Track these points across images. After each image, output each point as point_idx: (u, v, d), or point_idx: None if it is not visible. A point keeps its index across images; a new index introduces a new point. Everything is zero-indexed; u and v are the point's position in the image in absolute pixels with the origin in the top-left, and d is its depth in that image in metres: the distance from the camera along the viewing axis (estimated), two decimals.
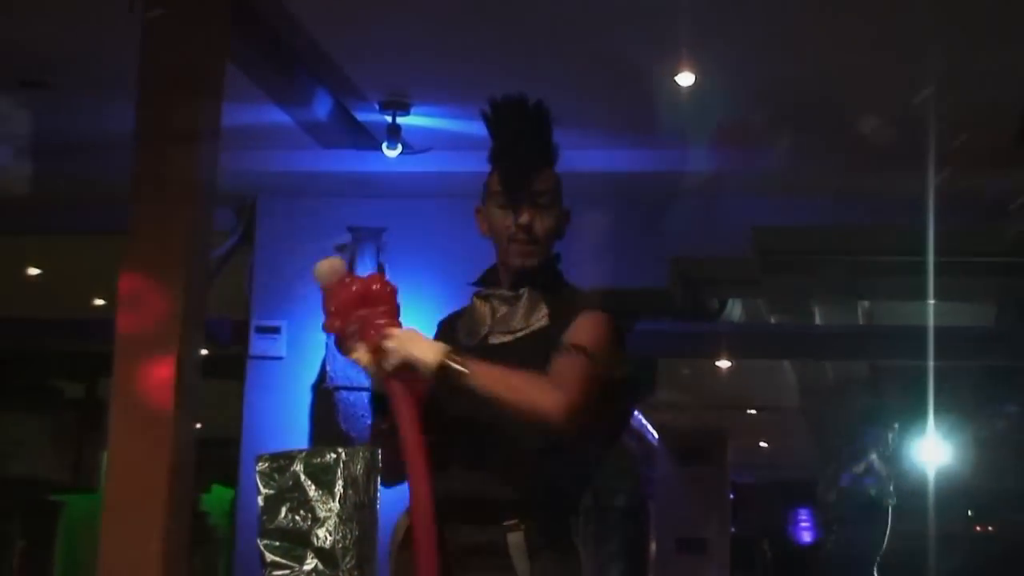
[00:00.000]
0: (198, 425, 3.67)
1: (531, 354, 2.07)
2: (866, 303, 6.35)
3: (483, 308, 2.19)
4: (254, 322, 5.27)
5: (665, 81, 3.95)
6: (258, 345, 5.24)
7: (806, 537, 11.20)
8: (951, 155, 3.91)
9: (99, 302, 6.19)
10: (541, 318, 2.16)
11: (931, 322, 4.77)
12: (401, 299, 2.12)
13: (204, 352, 3.81)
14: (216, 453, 5.64)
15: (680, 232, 4.81)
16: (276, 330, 5.23)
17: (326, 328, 2.08)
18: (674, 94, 4.00)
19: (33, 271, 6.48)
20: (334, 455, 1.75)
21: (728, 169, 4.52)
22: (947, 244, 4.41)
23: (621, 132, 4.55)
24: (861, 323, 6.43)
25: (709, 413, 9.29)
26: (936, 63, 3.63)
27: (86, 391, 7.35)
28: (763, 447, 10.86)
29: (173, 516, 3.32)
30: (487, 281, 2.22)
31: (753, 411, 9.45)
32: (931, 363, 4.68)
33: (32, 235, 5.85)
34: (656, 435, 10.30)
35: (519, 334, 2.12)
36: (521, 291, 2.16)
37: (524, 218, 2.09)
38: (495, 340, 2.11)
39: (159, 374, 3.42)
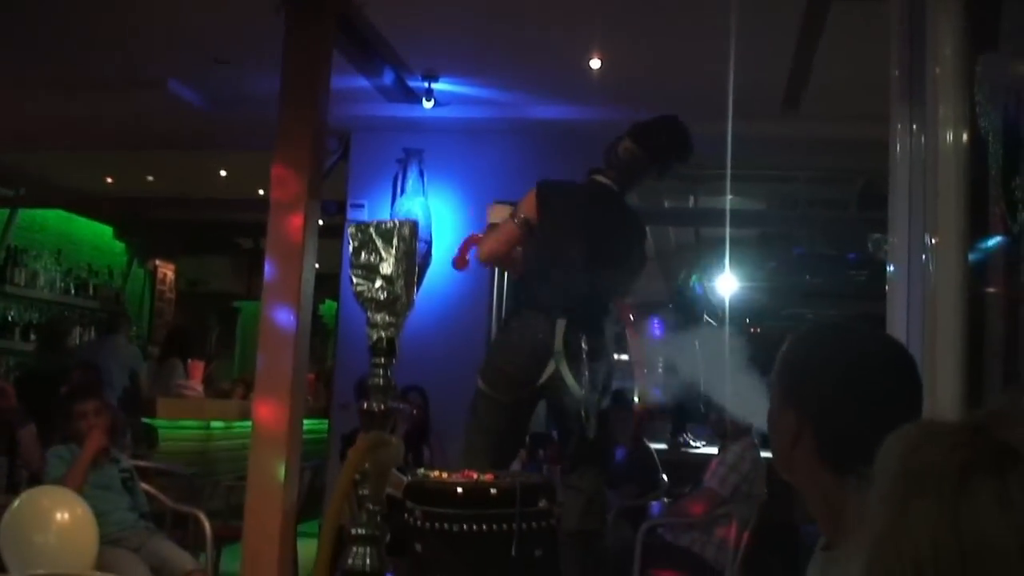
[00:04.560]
0: (316, 264, 3.93)
1: None
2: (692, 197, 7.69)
3: None
4: (349, 200, 6.14)
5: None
6: (352, 214, 6.06)
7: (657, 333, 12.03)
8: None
9: (260, 191, 6.83)
10: None
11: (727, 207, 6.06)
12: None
13: (319, 221, 3.92)
14: (326, 282, 5.83)
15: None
16: (362, 206, 6.15)
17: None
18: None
19: (223, 173, 7.74)
20: (391, 224, 1.89)
21: None
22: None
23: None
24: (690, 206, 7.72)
25: None
26: None
27: (253, 243, 8.98)
28: None
29: (301, 307, 3.76)
30: None
31: None
32: (727, 231, 6.18)
33: (220, 151, 6.92)
34: None
35: None
36: None
37: None
38: None
39: (294, 227, 3.75)
